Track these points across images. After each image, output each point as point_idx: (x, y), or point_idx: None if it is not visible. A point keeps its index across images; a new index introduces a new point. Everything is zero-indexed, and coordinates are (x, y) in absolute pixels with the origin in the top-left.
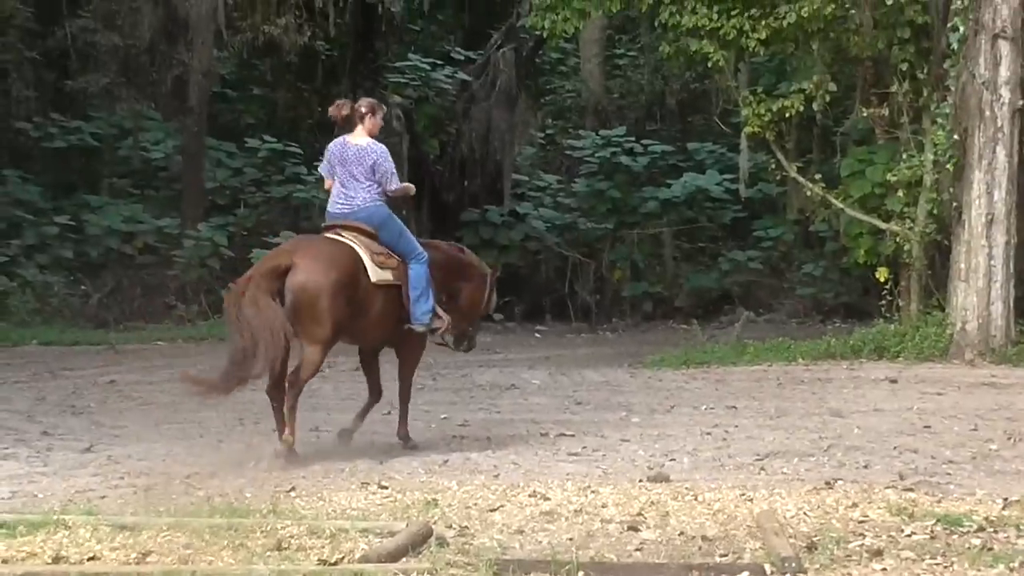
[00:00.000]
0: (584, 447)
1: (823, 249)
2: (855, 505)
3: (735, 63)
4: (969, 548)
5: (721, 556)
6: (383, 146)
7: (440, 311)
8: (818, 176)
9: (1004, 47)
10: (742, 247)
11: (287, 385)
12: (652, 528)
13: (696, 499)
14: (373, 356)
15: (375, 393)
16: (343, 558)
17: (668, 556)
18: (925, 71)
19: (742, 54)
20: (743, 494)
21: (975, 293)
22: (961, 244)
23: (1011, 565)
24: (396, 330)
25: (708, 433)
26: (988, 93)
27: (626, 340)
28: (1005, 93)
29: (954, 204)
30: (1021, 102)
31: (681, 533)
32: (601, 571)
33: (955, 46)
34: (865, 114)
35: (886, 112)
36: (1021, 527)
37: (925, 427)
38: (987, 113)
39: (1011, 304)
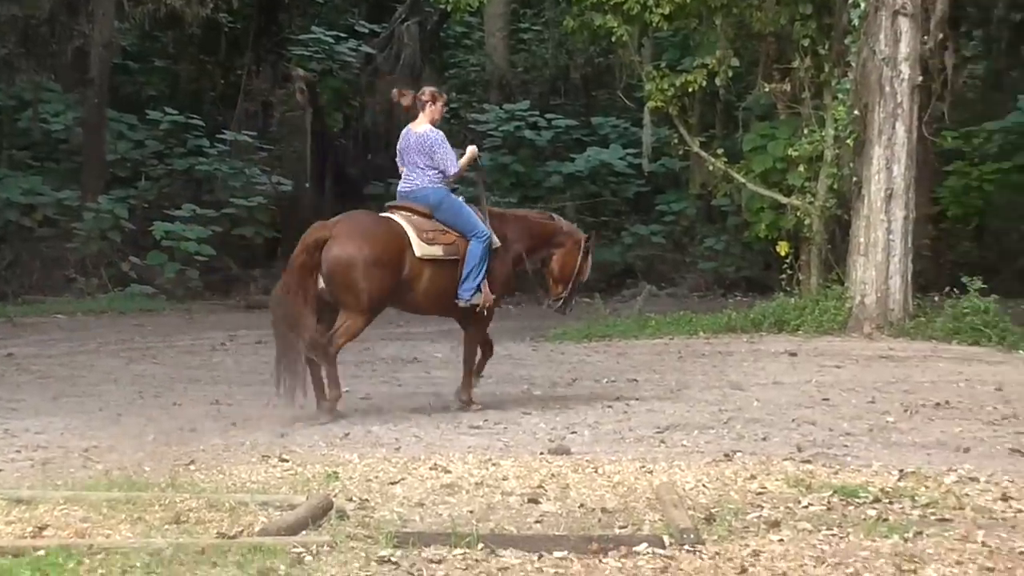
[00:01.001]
0: (486, 420)
1: (725, 223)
2: (753, 477)
3: (639, 38)
4: (865, 519)
5: (621, 528)
6: (440, 133)
7: (485, 289)
8: (720, 151)
9: (904, 23)
10: (645, 221)
11: (322, 349)
12: (552, 500)
13: (596, 471)
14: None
15: (484, 350)
16: (242, 531)
17: (568, 528)
18: (826, 47)
19: (646, 29)
20: (643, 466)
21: (874, 267)
22: (861, 219)
23: (905, 535)
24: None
25: (609, 406)
26: (888, 69)
27: (528, 314)
28: (905, 69)
29: (854, 179)
30: (920, 78)
31: (581, 505)
32: (501, 543)
33: (856, 22)
34: (767, 89)
35: (788, 88)
36: (916, 498)
37: (823, 400)
38: (887, 89)
39: (909, 278)
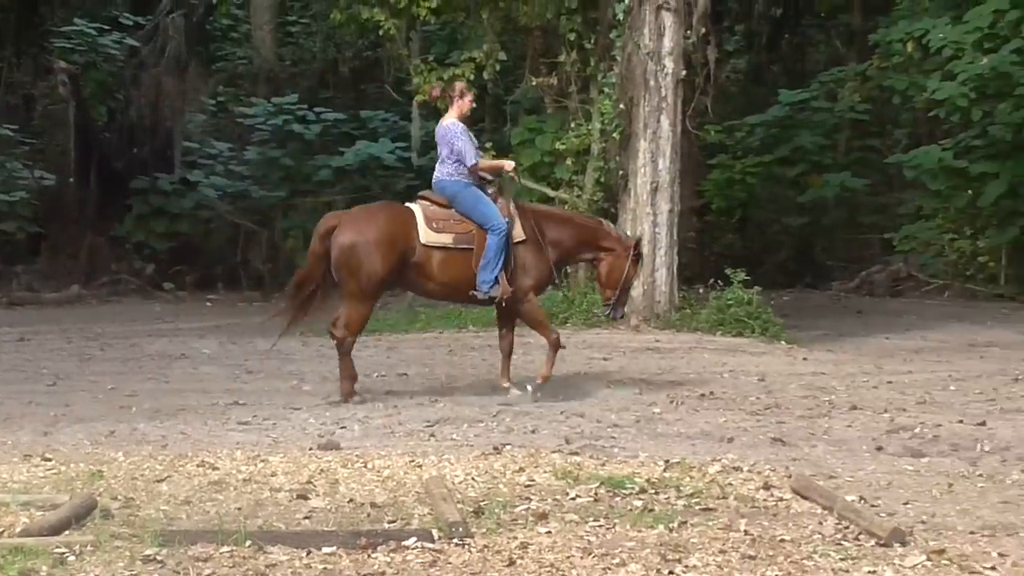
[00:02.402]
0: (255, 416)
1: None
2: (522, 469)
3: (406, 31)
4: (631, 510)
5: (390, 522)
6: (460, 126)
7: (503, 281)
8: (489, 144)
9: (667, 18)
10: None
11: (336, 339)
12: (321, 496)
13: (366, 466)
14: (506, 319)
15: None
16: (3, 532)
17: (337, 524)
18: (592, 41)
19: (413, 22)
20: (412, 461)
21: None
22: (627, 212)
23: (671, 525)
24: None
25: (379, 400)
26: (652, 63)
27: None
28: (668, 63)
29: (620, 172)
30: (684, 72)
31: (350, 500)
32: (269, 540)
33: (621, 17)
34: (534, 83)
35: (555, 81)
36: (681, 488)
37: (591, 392)
38: (651, 83)
39: (675, 271)
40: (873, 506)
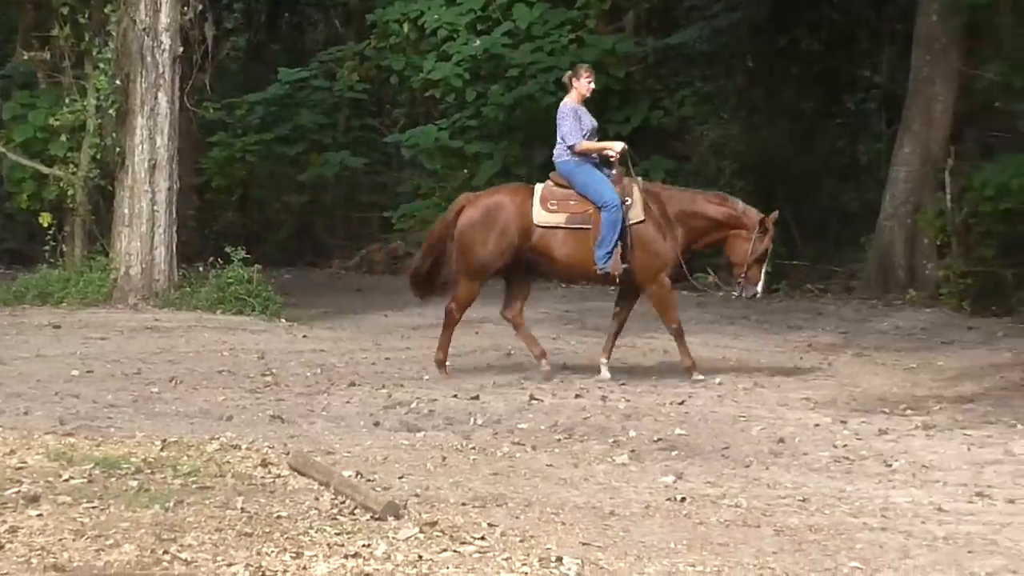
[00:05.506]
0: None
1: None
2: (13, 452)
3: None
4: (126, 490)
5: None
6: (568, 107)
7: (617, 258)
8: None
9: None
10: None
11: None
12: None
13: None
14: (625, 297)
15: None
16: None
17: None
18: (87, 16)
19: None
20: None
21: (139, 238)
22: (125, 189)
23: (166, 505)
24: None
25: None
26: (149, 39)
27: None
28: (166, 40)
29: (117, 149)
30: (182, 49)
31: None
32: None
33: None
34: (27, 57)
35: (48, 56)
36: (178, 467)
37: (88, 372)
38: (148, 59)
39: (174, 249)
40: (369, 481)
